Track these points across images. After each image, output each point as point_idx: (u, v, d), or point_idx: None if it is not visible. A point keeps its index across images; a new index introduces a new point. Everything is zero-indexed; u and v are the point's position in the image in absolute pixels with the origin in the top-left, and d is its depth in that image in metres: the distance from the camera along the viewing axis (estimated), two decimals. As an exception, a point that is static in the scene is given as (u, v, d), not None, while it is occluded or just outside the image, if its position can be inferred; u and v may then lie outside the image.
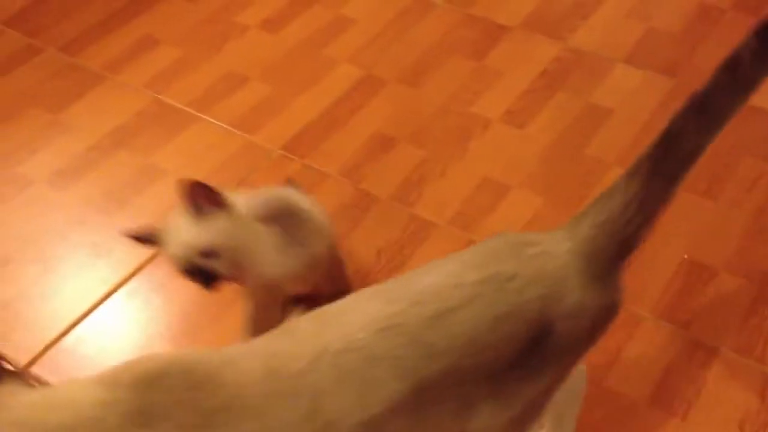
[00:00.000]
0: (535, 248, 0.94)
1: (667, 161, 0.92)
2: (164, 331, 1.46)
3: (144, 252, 1.58)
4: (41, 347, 1.44)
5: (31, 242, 1.61)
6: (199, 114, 1.86)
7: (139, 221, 1.64)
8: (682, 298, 1.47)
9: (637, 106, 1.83)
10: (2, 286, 1.54)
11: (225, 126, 1.83)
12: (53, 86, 1.94)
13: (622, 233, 0.94)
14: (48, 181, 1.73)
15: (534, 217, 1.62)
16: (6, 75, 1.97)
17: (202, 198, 1.14)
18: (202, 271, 1.16)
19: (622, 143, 1.75)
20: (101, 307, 1.50)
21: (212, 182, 1.77)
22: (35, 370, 1.40)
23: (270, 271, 1.24)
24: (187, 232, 1.14)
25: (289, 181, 1.51)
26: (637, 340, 1.40)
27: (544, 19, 2.07)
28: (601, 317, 0.96)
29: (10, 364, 1.24)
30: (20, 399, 0.84)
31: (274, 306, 1.31)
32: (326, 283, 1.40)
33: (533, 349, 0.92)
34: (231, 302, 1.42)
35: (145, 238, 1.19)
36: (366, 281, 1.51)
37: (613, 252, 0.95)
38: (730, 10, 2.05)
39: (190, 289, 1.51)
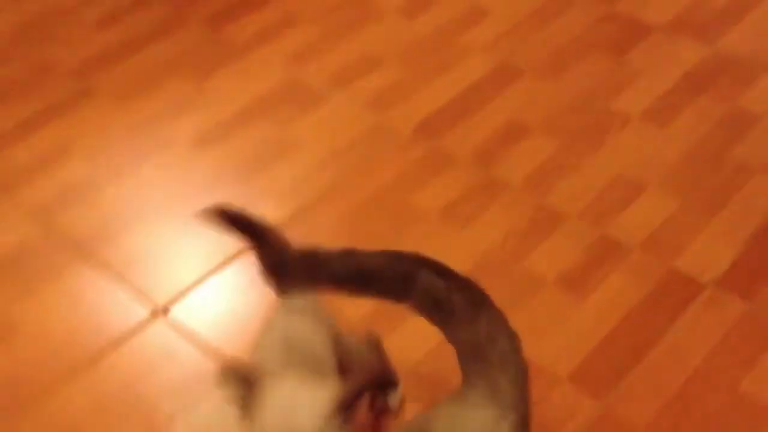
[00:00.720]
0: None
1: None
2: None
3: (273, 221, 1.62)
4: (173, 295, 1.50)
5: (172, 201, 1.68)
6: (333, 92, 1.90)
7: (274, 187, 1.68)
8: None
9: (788, 114, 1.74)
10: (136, 240, 1.61)
11: (358, 105, 1.86)
12: (197, 57, 2.02)
13: None
14: (191, 145, 1.80)
15: (666, 221, 1.56)
16: (153, 43, 2.07)
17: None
18: None
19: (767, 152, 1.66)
20: (223, 270, 1.55)
21: (342, 160, 1.77)
22: (172, 314, 1.46)
23: None
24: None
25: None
26: (776, 354, 1.33)
27: (692, 20, 1.99)
28: None
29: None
30: None
31: None
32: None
33: None
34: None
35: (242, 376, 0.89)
36: (490, 266, 1.50)
37: None
38: None
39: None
